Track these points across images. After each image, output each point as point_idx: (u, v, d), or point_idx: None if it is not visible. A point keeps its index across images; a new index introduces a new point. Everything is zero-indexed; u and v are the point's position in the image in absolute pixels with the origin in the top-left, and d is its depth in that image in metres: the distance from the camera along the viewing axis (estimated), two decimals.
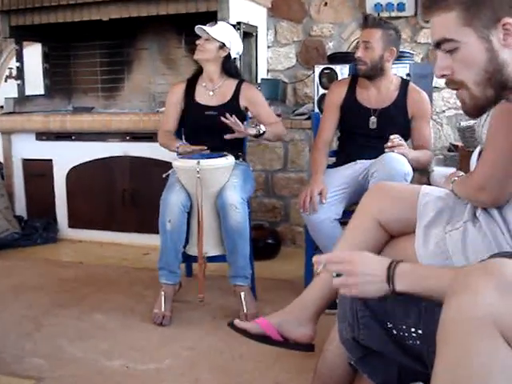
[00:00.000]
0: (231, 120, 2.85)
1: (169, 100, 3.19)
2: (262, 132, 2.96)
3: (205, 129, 2.98)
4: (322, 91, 3.72)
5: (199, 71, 3.14)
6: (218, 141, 2.93)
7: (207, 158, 2.80)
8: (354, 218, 1.99)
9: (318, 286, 1.93)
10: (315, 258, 1.47)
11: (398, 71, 3.48)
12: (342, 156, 3.09)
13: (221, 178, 2.80)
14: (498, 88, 1.27)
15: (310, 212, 2.78)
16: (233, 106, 3.04)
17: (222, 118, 2.85)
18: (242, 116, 3.08)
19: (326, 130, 3.04)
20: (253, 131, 2.95)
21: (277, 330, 1.91)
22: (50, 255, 3.96)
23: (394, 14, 4.18)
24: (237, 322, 1.99)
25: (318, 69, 3.80)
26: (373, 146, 2.89)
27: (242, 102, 3.07)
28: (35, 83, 4.76)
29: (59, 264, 3.76)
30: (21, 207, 4.43)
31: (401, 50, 3.90)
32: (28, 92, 4.62)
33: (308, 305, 1.91)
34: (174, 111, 3.14)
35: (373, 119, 2.96)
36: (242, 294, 2.79)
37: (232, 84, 3.10)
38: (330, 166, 3.07)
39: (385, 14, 4.17)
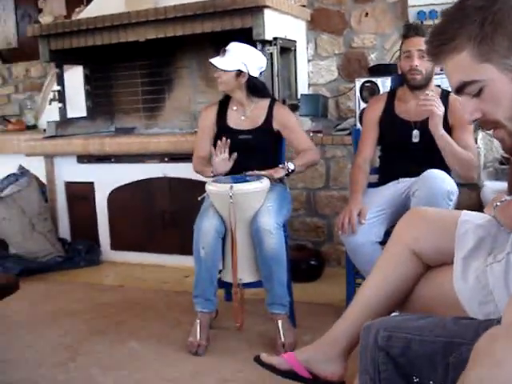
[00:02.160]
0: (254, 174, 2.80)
1: (201, 125, 3.12)
2: (290, 170, 2.86)
3: (239, 153, 2.88)
4: (363, 105, 3.59)
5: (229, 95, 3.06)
6: (253, 163, 2.85)
7: (241, 182, 2.71)
8: (387, 247, 1.86)
9: (349, 319, 1.80)
10: None
11: (442, 83, 3.32)
12: (384, 174, 2.95)
13: (255, 203, 2.71)
14: None
15: (348, 234, 2.65)
16: (266, 129, 2.95)
17: (249, 172, 2.80)
18: (276, 138, 3.00)
19: (365, 147, 2.91)
20: (281, 173, 2.84)
21: (304, 366, 1.80)
22: (91, 278, 3.95)
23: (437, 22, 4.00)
24: (263, 356, 1.89)
25: (358, 82, 3.68)
26: (416, 161, 2.75)
27: (275, 125, 2.97)
28: (79, 105, 4.80)
29: (99, 288, 3.74)
30: (64, 230, 4.46)
31: None
32: (73, 114, 4.65)
33: (338, 340, 1.79)
34: (207, 136, 3.07)
35: (415, 133, 2.80)
36: (280, 322, 2.68)
37: (264, 105, 3.00)
38: (372, 185, 2.93)
39: (428, 22, 4.00)
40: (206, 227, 2.69)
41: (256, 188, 2.70)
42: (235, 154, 2.85)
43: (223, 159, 2.84)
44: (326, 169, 3.81)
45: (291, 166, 2.87)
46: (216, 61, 2.90)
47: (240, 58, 2.89)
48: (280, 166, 2.89)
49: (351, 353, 1.76)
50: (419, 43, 2.71)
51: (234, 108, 3.03)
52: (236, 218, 2.65)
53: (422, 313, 1.54)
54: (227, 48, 2.92)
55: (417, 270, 1.74)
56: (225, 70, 2.88)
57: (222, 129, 3.02)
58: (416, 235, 1.75)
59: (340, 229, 2.66)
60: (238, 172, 2.87)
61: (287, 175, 2.90)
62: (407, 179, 2.74)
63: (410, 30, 2.79)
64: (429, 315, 1.33)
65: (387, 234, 2.66)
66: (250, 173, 2.81)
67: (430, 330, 1.20)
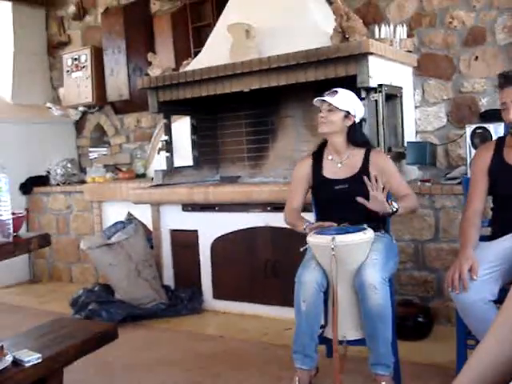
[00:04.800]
0: (372, 182, 2.65)
1: (295, 176, 3.07)
2: (394, 210, 2.71)
3: (336, 204, 2.80)
4: (474, 152, 3.41)
5: (323, 143, 3.02)
6: (351, 214, 2.74)
7: (344, 233, 2.60)
8: (504, 308, 1.67)
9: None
10: None
11: None
12: (498, 226, 2.74)
13: (358, 255, 2.59)
14: None
15: (459, 291, 2.46)
16: (363, 176, 2.78)
17: (365, 178, 2.67)
18: None
19: (475, 198, 2.73)
20: (387, 209, 2.69)
21: None
22: (192, 327, 3.94)
23: None
24: None
25: (469, 128, 3.52)
26: None
27: (373, 171, 2.84)
28: (186, 154, 4.91)
29: (200, 337, 3.72)
30: (168, 277, 4.51)
31: None
32: (180, 163, 4.76)
33: None
34: (301, 187, 3.01)
35: None
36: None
37: (360, 153, 2.91)
38: (484, 239, 2.73)
39: None
40: (307, 280, 2.60)
41: (360, 239, 2.58)
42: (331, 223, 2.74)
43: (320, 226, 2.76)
44: (436, 220, 3.62)
45: (395, 205, 2.71)
46: (328, 98, 2.86)
47: (350, 102, 2.88)
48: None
49: None
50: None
51: (330, 157, 2.96)
52: (338, 272, 2.54)
53: None
54: (336, 89, 2.89)
55: None
56: (337, 107, 2.84)
57: (318, 180, 2.95)
58: None
59: (450, 285, 2.48)
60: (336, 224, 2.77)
61: (389, 215, 2.77)
62: None
63: (504, 80, 2.62)
64: None
65: (502, 291, 2.45)
66: (359, 199, 2.67)
67: None
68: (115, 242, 4.23)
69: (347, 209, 2.75)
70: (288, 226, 3.05)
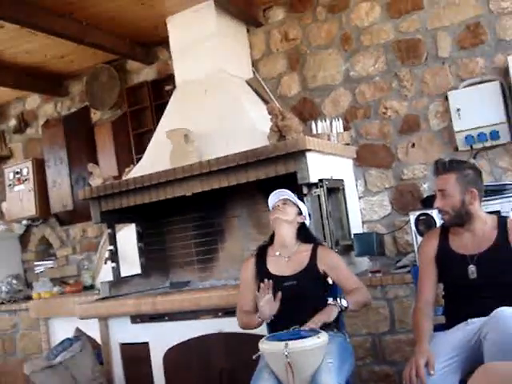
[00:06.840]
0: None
1: (242, 279, 3.03)
2: (344, 308, 2.68)
3: (287, 301, 2.70)
4: (420, 239, 3.40)
5: (266, 244, 3.02)
6: (303, 312, 2.66)
7: (297, 338, 2.50)
8: None
9: None
10: None
11: (502, 207, 3.17)
12: (451, 315, 2.69)
13: (313, 361, 2.47)
14: None
15: None
16: (311, 271, 2.83)
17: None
18: (322, 281, 2.85)
19: (425, 288, 2.68)
20: (334, 314, 2.65)
21: None
22: None
23: (488, 144, 3.90)
24: None
25: (412, 216, 3.55)
26: (481, 299, 2.49)
27: (320, 266, 2.84)
28: (135, 262, 4.77)
29: None
30: None
31: (503, 182, 3.60)
32: (130, 271, 4.62)
33: None
34: (249, 290, 2.93)
35: (471, 268, 2.57)
36: None
37: (307, 248, 2.92)
38: (439, 328, 2.66)
39: (478, 146, 3.91)
40: None
41: (314, 344, 2.46)
42: (280, 294, 2.68)
43: (268, 300, 2.68)
44: (390, 310, 3.55)
45: (344, 303, 2.68)
46: (285, 192, 2.97)
47: (300, 203, 3.01)
48: (331, 302, 2.69)
49: None
50: (439, 183, 2.64)
51: (277, 253, 2.95)
52: (294, 379, 2.42)
53: None
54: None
55: None
56: (292, 202, 2.94)
57: (265, 278, 2.85)
58: None
59: (408, 383, 2.38)
60: (287, 323, 2.66)
61: (340, 312, 2.70)
62: (476, 320, 2.47)
63: (434, 168, 2.69)
64: None
65: (462, 383, 2.36)
66: (306, 327, 2.60)
67: None
68: (59, 363, 3.99)
69: (298, 307, 2.69)
70: (244, 331, 2.95)
